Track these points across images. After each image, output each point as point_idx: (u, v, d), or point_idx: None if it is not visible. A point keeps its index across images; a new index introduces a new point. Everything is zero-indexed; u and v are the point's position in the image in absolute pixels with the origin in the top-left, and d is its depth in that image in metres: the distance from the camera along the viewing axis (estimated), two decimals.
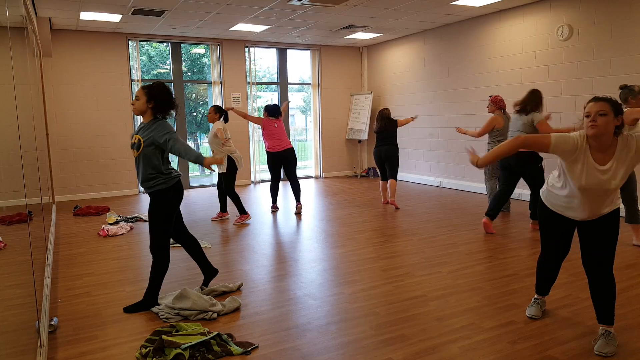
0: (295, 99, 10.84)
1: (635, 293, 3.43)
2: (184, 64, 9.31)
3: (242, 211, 5.99)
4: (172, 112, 3.32)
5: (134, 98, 3.29)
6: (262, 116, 6.64)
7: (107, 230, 5.55)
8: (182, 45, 9.01)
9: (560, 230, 2.82)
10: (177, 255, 4.53)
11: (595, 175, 2.49)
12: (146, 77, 9.44)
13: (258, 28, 8.09)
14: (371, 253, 4.59)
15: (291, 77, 10.28)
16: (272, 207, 6.73)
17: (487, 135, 5.97)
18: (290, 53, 10.08)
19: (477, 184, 7.89)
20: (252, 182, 9.77)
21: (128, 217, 6.37)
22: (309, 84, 10.44)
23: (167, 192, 3.24)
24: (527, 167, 5.04)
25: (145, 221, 6.24)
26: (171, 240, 3.92)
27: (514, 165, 5.07)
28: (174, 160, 9.09)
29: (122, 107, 8.41)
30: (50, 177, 7.62)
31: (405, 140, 9.33)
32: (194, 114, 12.16)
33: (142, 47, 10.73)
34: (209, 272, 3.70)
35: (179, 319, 3.14)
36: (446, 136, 8.48)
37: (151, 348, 2.66)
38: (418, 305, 3.29)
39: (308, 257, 4.51)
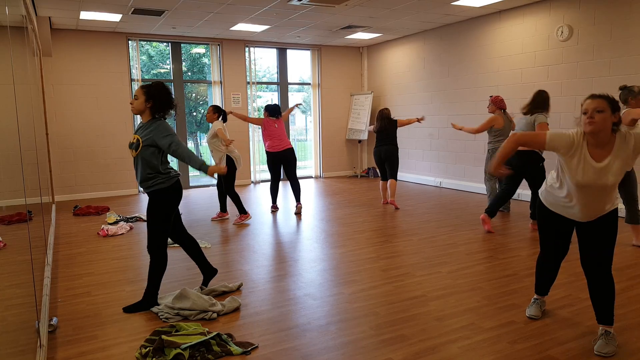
0: (295, 99, 10.83)
1: (635, 293, 3.43)
2: (184, 63, 9.30)
3: (242, 211, 5.98)
4: (171, 112, 3.31)
5: (132, 97, 3.29)
6: (262, 116, 6.65)
7: (107, 230, 5.55)
8: (182, 45, 9.01)
9: (559, 230, 2.82)
10: (177, 255, 4.53)
11: (592, 171, 2.50)
12: (146, 77, 9.43)
13: (258, 28, 8.09)
14: (371, 253, 4.59)
15: (291, 77, 10.28)
16: (272, 207, 6.73)
17: (487, 135, 5.98)
18: (290, 53, 10.08)
19: (477, 184, 7.89)
20: (252, 182, 9.77)
21: (128, 216, 6.37)
22: (309, 84, 10.44)
23: (166, 192, 3.24)
24: (527, 166, 5.04)
25: (145, 221, 6.23)
26: (169, 240, 3.93)
27: (516, 165, 5.08)
28: (173, 160, 9.08)
29: (122, 107, 8.40)
30: (50, 177, 7.62)
31: (405, 140, 9.33)
32: (194, 114, 12.15)
33: (142, 46, 10.72)
34: (208, 271, 3.70)
35: (178, 319, 3.13)
36: (446, 136, 8.48)
37: (151, 348, 2.66)
38: (418, 305, 3.29)
39: (308, 257, 4.51)
